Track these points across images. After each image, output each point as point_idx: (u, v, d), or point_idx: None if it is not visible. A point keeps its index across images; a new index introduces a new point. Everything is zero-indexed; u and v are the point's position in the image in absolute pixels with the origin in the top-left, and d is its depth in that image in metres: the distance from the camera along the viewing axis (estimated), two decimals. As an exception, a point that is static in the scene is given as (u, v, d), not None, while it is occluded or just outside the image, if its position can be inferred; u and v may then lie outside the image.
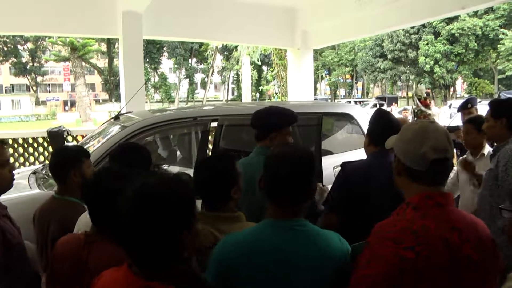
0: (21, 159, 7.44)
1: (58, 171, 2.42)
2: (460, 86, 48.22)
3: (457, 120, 9.92)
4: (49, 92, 59.67)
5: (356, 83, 58.14)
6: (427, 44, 37.49)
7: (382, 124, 2.49)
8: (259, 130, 2.71)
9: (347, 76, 55.40)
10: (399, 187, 1.55)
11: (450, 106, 21.76)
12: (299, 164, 1.59)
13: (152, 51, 48.15)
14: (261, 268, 1.51)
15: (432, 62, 37.35)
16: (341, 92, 59.66)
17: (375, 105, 34.17)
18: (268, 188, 1.61)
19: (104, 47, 46.63)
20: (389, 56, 41.49)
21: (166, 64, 55.89)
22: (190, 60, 53.01)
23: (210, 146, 4.25)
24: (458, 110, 4.98)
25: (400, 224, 1.40)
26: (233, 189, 1.93)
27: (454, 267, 1.36)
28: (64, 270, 1.71)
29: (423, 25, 36.42)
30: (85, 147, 3.94)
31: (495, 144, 3.06)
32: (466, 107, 4.73)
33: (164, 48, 50.32)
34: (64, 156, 2.44)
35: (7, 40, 49.56)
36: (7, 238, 2.01)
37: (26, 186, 3.58)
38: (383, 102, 34.90)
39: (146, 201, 1.22)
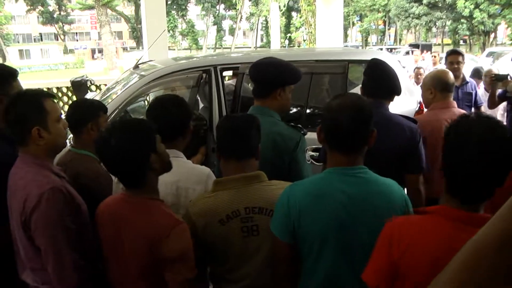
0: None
1: (75, 123, 2.36)
2: (503, 32, 45.16)
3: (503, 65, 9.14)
4: (77, 40, 60.01)
5: (389, 29, 55.92)
6: (468, -15, 35.06)
7: (376, 75, 2.48)
8: (261, 85, 2.34)
9: (380, 22, 53.18)
10: None
11: (489, 54, 20.38)
12: (358, 112, 1.61)
13: (179, -3, 47.24)
14: (331, 213, 1.56)
15: (472, 6, 34.99)
16: (373, 39, 57.59)
17: (407, 53, 32.83)
18: (330, 138, 1.65)
19: (130, -6, 45.92)
20: (424, 1, 39.20)
21: (194, 10, 54.80)
22: (218, 7, 51.80)
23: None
24: None
25: None
26: (258, 148, 1.89)
27: None
28: (106, 228, 1.74)
29: (465, -34, 33.99)
30: (104, 98, 3.87)
31: None
32: None
33: (191, -5, 49.25)
34: (82, 109, 2.37)
35: (34, -12, 49.49)
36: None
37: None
38: (416, 49, 33.44)
39: None
